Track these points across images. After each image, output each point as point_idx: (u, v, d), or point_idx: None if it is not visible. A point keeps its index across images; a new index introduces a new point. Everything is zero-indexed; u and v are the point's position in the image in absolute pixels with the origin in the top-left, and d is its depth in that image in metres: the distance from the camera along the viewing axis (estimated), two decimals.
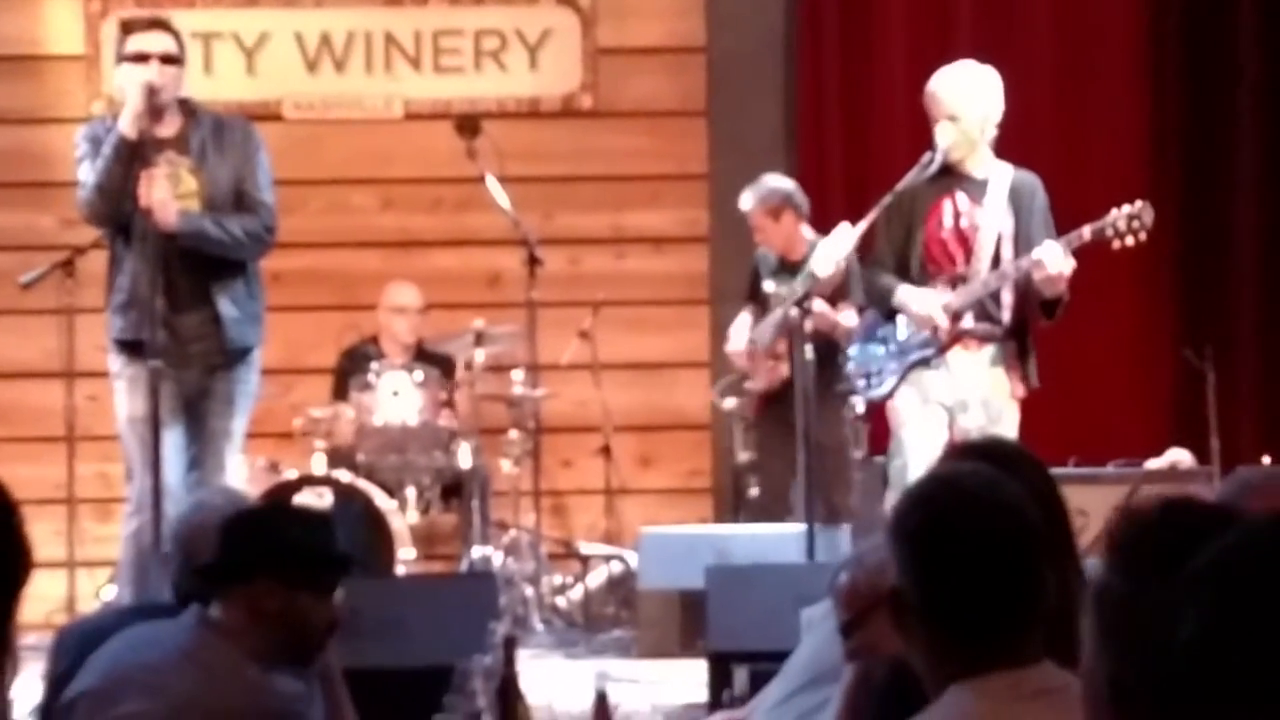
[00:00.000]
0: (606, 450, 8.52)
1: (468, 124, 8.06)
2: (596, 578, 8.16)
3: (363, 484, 7.63)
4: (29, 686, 3.78)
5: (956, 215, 6.43)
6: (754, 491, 7.98)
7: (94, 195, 6.07)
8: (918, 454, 6.22)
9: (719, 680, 5.24)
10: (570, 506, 8.81)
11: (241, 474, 6.42)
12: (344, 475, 7.65)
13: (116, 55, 6.23)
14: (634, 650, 7.15)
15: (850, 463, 7.53)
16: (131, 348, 6.06)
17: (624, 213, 8.85)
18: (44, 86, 8.82)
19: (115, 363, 6.18)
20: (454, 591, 5.73)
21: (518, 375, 8.08)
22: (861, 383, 6.63)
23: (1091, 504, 6.75)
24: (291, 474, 7.71)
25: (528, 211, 8.13)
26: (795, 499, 7.62)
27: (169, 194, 6.00)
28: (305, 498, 7.39)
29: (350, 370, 8.16)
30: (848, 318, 7.13)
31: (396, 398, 7.89)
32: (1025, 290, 6.38)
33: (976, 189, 6.43)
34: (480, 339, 8.08)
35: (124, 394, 6.11)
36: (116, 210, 6.03)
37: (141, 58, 6.07)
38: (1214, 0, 8.85)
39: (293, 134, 8.57)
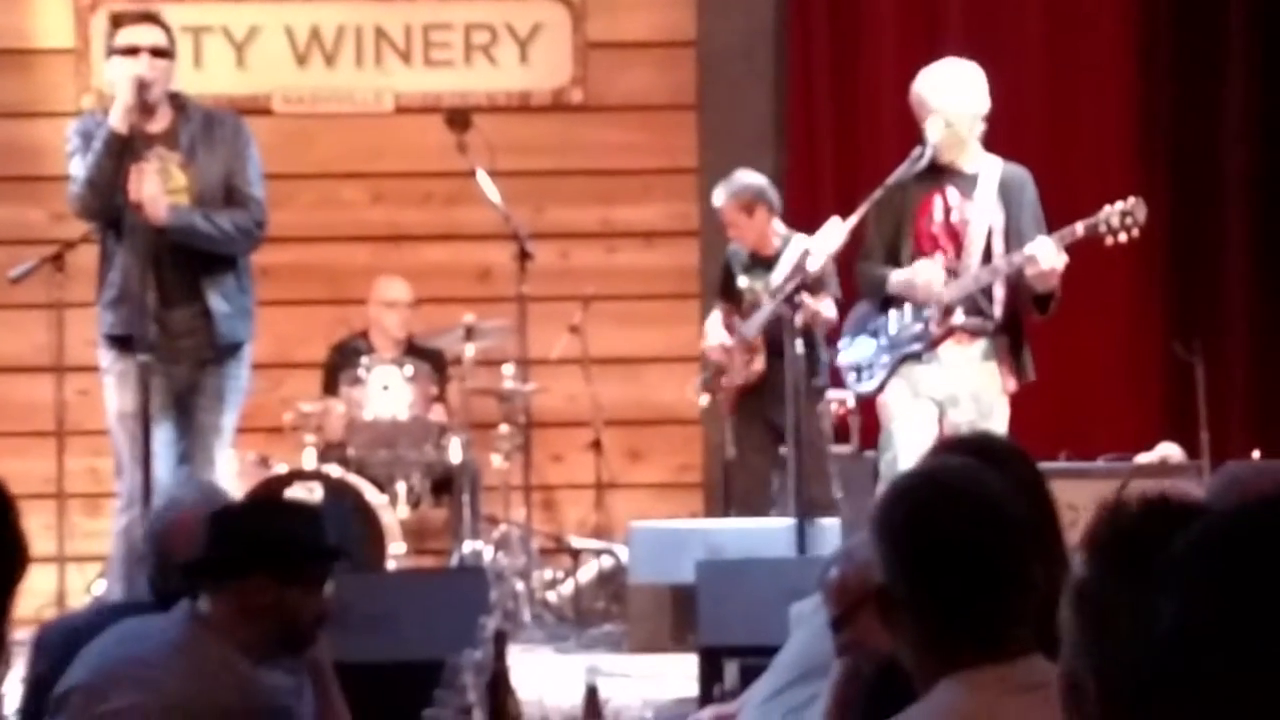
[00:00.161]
0: (597, 444, 8.52)
1: (458, 118, 8.06)
2: (587, 572, 8.16)
3: (353, 479, 7.62)
4: (11, 686, 3.78)
5: (947, 210, 6.44)
6: (733, 486, 7.98)
7: (85, 190, 6.06)
8: (908, 448, 6.23)
9: (710, 674, 5.24)
10: (561, 501, 8.81)
11: (231, 469, 6.41)
12: (334, 470, 7.65)
13: (106, 49, 6.22)
14: (625, 645, 7.16)
15: (827, 456, 7.54)
16: (122, 343, 6.06)
17: (614, 207, 8.84)
18: (33, 80, 8.81)
19: (106, 358, 6.17)
20: (444, 586, 5.73)
21: (508, 369, 8.08)
22: (852, 376, 6.64)
23: (1081, 499, 6.73)
24: (281, 469, 7.71)
25: (518, 205, 8.13)
26: (775, 492, 7.64)
27: (159, 189, 6.00)
28: (296, 492, 7.39)
29: (340, 365, 8.15)
30: (827, 308, 7.14)
31: (387, 392, 7.89)
32: (1017, 285, 6.39)
33: (967, 183, 6.44)
34: (470, 333, 8.07)
35: (114, 389, 6.11)
36: (107, 205, 6.02)
37: (131, 51, 6.07)
38: None
39: (282, 128, 8.56)
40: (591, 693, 3.55)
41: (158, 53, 6.10)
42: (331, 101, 8.87)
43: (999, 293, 6.43)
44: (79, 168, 6.08)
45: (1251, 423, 8.48)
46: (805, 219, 7.69)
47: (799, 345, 6.44)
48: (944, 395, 6.38)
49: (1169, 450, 7.84)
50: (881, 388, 6.48)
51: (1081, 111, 8.84)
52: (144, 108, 6.03)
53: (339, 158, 8.80)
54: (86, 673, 3.47)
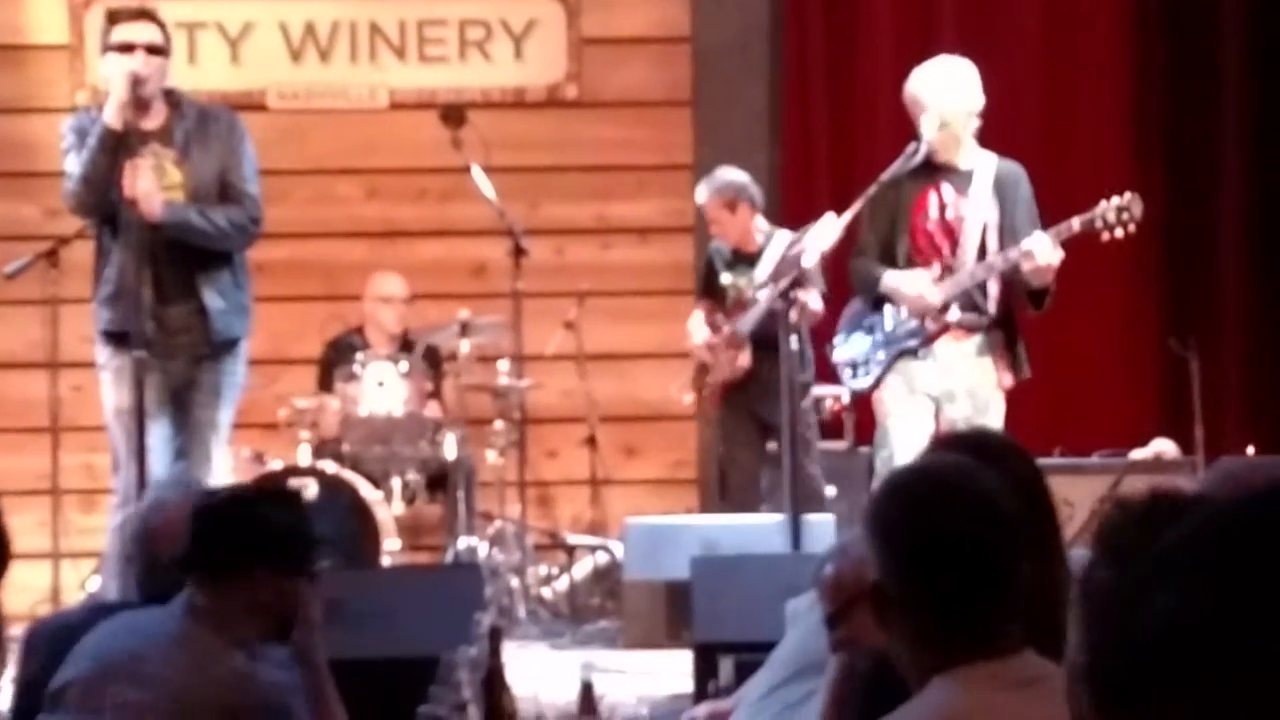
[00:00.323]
0: (592, 440, 8.52)
1: (453, 114, 8.06)
2: (582, 568, 8.16)
3: (348, 475, 7.62)
4: (3, 684, 3.77)
5: (942, 206, 6.44)
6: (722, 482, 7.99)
7: (80, 186, 6.06)
8: (904, 445, 6.23)
9: (704, 670, 5.24)
10: (556, 497, 8.81)
11: (227, 465, 6.41)
12: (329, 466, 7.65)
13: (102, 45, 6.22)
14: (620, 641, 7.16)
15: (813, 452, 7.53)
16: (118, 339, 6.06)
17: (609, 203, 8.84)
18: (28, 76, 8.80)
19: (102, 354, 6.17)
20: (439, 582, 5.73)
21: (503, 365, 8.07)
22: (848, 373, 6.64)
23: (1076, 494, 6.77)
24: (277, 465, 7.71)
25: (513, 201, 8.13)
26: (765, 487, 7.64)
27: (154, 185, 6.00)
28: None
29: (335, 361, 8.15)
30: (813, 300, 7.13)
31: (382, 388, 7.89)
32: (1012, 281, 6.39)
33: (962, 180, 6.44)
34: (465, 329, 8.07)
35: (111, 385, 6.10)
36: (102, 201, 6.02)
37: (127, 48, 6.07)
38: None
39: (277, 124, 8.55)
40: (586, 689, 3.55)
41: (153, 50, 6.10)
42: (326, 97, 8.87)
43: (994, 289, 6.43)
44: (74, 164, 6.08)
45: (1246, 419, 8.49)
46: (800, 215, 7.68)
47: (794, 342, 6.44)
48: (940, 391, 6.39)
49: (1163, 446, 7.85)
50: (877, 384, 6.48)
51: (1077, 108, 8.84)
52: (139, 104, 6.03)
53: (334, 154, 8.80)
54: (84, 667, 3.47)
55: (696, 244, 8.64)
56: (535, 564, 8.03)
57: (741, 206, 7.77)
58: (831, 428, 8.21)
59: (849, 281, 6.78)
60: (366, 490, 7.58)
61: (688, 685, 5.58)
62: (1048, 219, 6.38)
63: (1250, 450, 7.69)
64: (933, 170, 6.43)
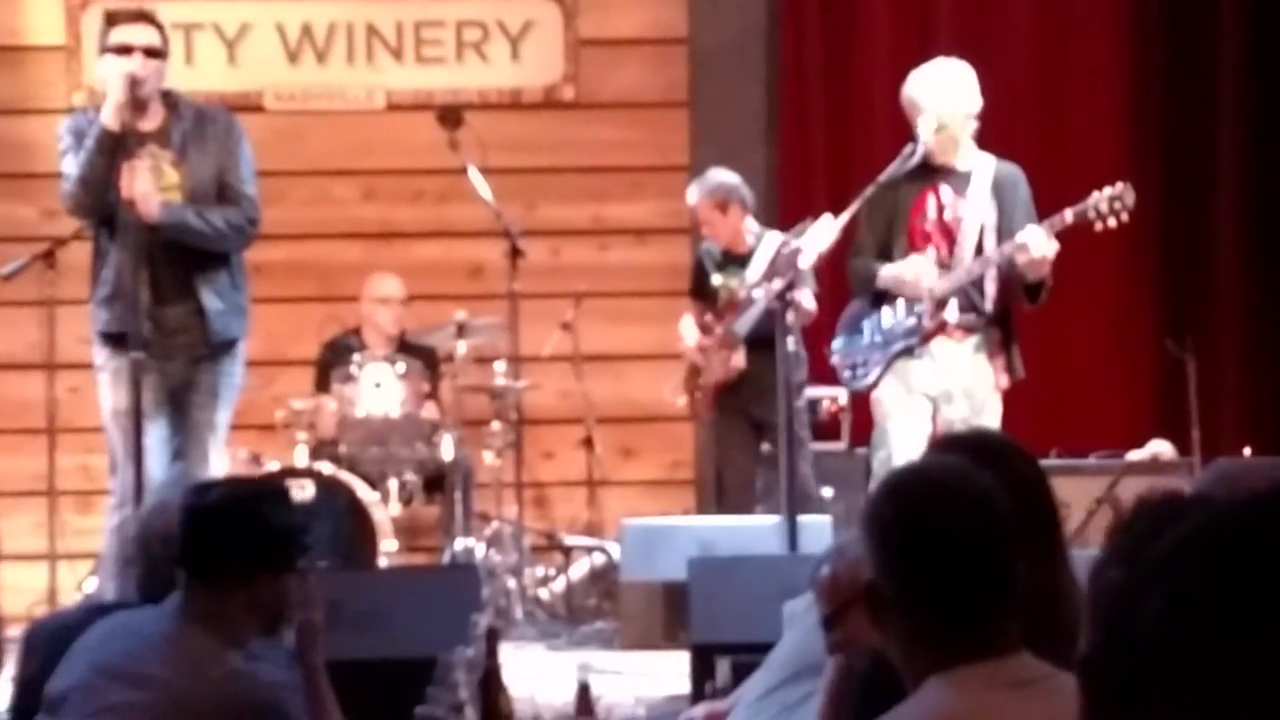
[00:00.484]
0: (589, 442, 8.52)
1: (450, 115, 8.06)
2: (579, 569, 8.16)
3: (345, 476, 7.62)
4: (1, 685, 3.78)
5: (940, 207, 6.44)
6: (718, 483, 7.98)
7: (77, 188, 6.06)
8: (902, 446, 6.24)
9: (702, 672, 5.24)
10: (552, 498, 8.81)
11: (224, 466, 6.41)
12: (326, 467, 7.64)
13: (99, 46, 6.22)
14: (617, 642, 7.15)
15: (806, 452, 7.53)
16: (116, 340, 6.06)
17: (606, 204, 8.84)
18: (24, 77, 8.80)
19: (100, 355, 6.17)
20: (436, 583, 5.73)
21: (500, 367, 8.07)
22: (847, 374, 6.64)
23: (1073, 496, 6.76)
24: (274, 466, 7.71)
25: (509, 203, 8.13)
26: (759, 489, 7.64)
27: (151, 186, 5.99)
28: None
29: (332, 362, 8.15)
30: (806, 299, 7.12)
31: (379, 389, 7.89)
32: (1008, 278, 6.39)
33: (960, 181, 6.44)
34: (462, 330, 8.07)
35: (108, 386, 6.10)
36: (100, 202, 6.02)
37: (125, 50, 6.06)
38: None
39: (274, 125, 8.55)
40: (583, 690, 3.55)
41: (151, 52, 6.10)
42: (323, 99, 8.87)
43: (991, 289, 6.43)
44: (71, 165, 6.08)
45: (1243, 420, 8.49)
46: (797, 216, 7.67)
47: (790, 342, 6.43)
48: (937, 391, 6.39)
49: (1160, 447, 7.85)
50: (875, 384, 6.49)
51: (1073, 109, 8.85)
52: (136, 105, 6.03)
53: (330, 155, 8.80)
54: (82, 671, 3.47)
55: (693, 245, 8.64)
56: (532, 565, 8.03)
57: (733, 208, 7.77)
58: (828, 429, 8.21)
59: (848, 283, 6.79)
60: (363, 491, 7.58)
61: (685, 686, 5.58)
62: (1044, 217, 6.38)
63: (1247, 451, 7.69)
64: (931, 172, 6.43)
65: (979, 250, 6.41)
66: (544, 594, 8.01)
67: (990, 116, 6.55)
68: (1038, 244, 6.18)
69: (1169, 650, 1.11)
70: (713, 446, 8.01)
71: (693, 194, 7.86)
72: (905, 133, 6.51)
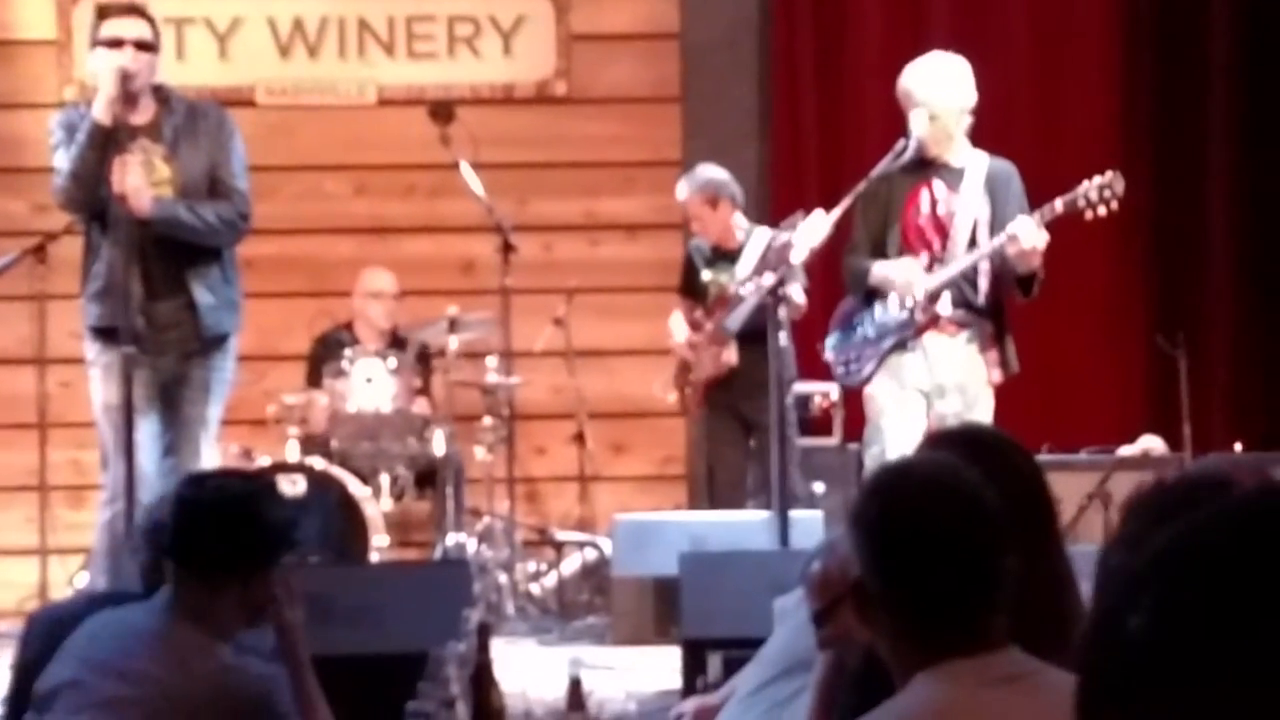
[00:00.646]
0: (580, 437, 8.52)
1: (441, 110, 8.05)
2: (570, 565, 8.16)
3: (337, 471, 7.61)
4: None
5: (934, 203, 6.45)
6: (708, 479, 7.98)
7: (69, 182, 6.06)
8: (895, 442, 6.24)
9: (693, 667, 5.24)
10: (544, 493, 8.81)
11: (215, 461, 6.41)
12: (318, 462, 7.64)
13: (90, 40, 6.21)
14: (608, 637, 7.16)
15: (795, 447, 7.53)
16: (107, 335, 6.05)
17: (598, 199, 8.84)
18: (15, 71, 8.79)
19: (91, 350, 6.17)
20: (428, 578, 5.72)
21: (491, 362, 8.07)
22: (841, 370, 6.65)
23: (1064, 491, 6.75)
24: (265, 461, 7.70)
25: (502, 198, 8.12)
26: (750, 484, 7.64)
27: (142, 180, 5.99)
28: (279, 484, 7.37)
29: (324, 357, 8.14)
30: (796, 293, 7.12)
31: (370, 384, 7.88)
32: (1001, 273, 6.40)
33: (953, 177, 6.45)
34: (454, 326, 8.06)
35: (99, 381, 6.10)
36: (91, 197, 6.02)
37: (116, 43, 6.06)
38: None
39: (266, 120, 8.55)
40: (575, 685, 3.55)
41: (142, 46, 6.09)
42: (314, 93, 8.86)
43: (984, 284, 6.44)
44: (62, 160, 6.07)
45: (1234, 416, 8.50)
46: (788, 212, 7.68)
47: (761, 336, 6.45)
48: (930, 386, 6.39)
49: (1151, 443, 7.86)
50: (869, 379, 6.49)
51: (1066, 106, 8.85)
52: (127, 99, 6.02)
53: (322, 150, 8.79)
54: (72, 667, 3.47)
55: (685, 240, 8.65)
56: (524, 560, 8.03)
57: (723, 203, 7.78)
58: (820, 425, 8.22)
59: (839, 279, 6.79)
60: (355, 486, 7.58)
61: (676, 681, 5.58)
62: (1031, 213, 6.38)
63: (1238, 447, 7.70)
64: (925, 167, 6.43)
65: (972, 245, 6.41)
66: (535, 589, 8.01)
67: (983, 113, 6.55)
68: (1028, 235, 6.18)
69: (1158, 651, 1.11)
70: (704, 442, 8.02)
71: (683, 189, 7.86)
72: (897, 128, 6.51)
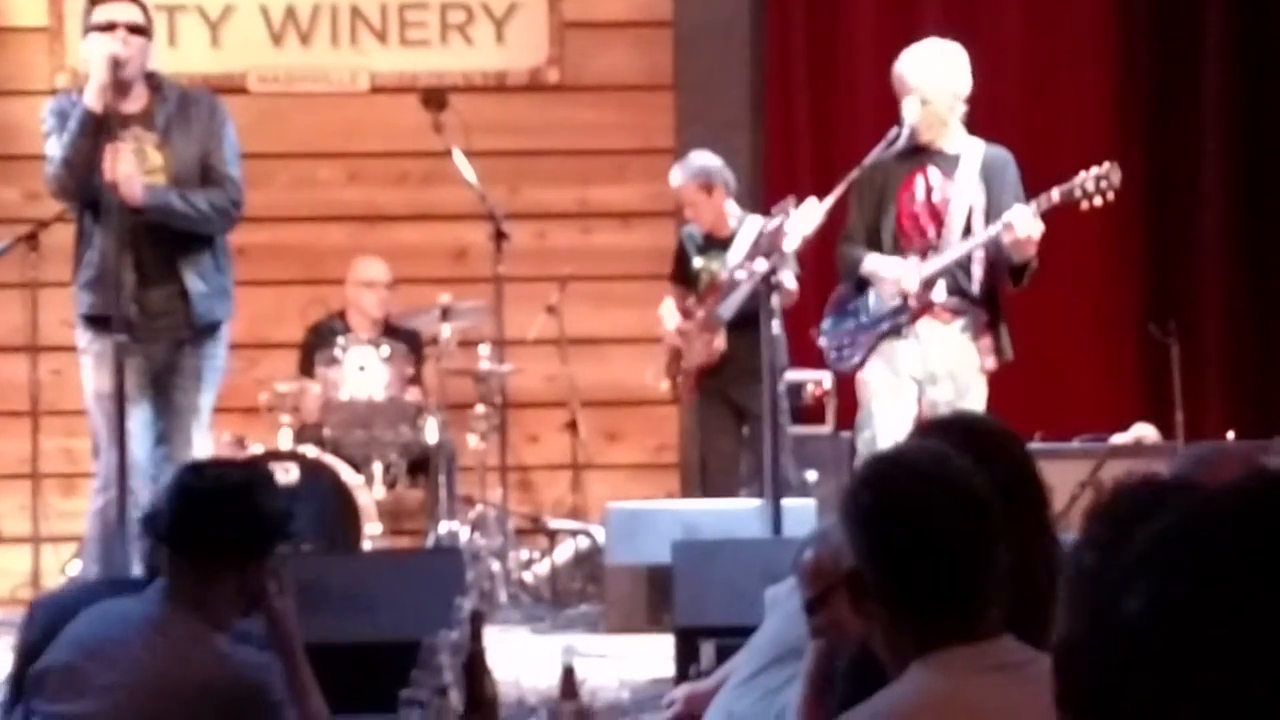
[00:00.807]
0: (573, 425, 8.52)
1: (434, 97, 8.04)
2: (563, 553, 8.16)
3: (329, 459, 7.61)
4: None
5: (928, 189, 6.44)
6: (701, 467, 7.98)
7: (61, 170, 6.05)
8: (886, 427, 6.24)
9: (686, 655, 5.25)
10: (537, 482, 8.81)
11: (208, 449, 6.40)
12: (310, 450, 7.64)
13: (83, 26, 6.20)
14: (601, 625, 7.16)
15: (785, 438, 7.53)
16: (100, 323, 6.04)
17: (591, 187, 8.84)
18: (7, 59, 8.77)
19: (83, 338, 6.16)
20: (420, 567, 5.73)
21: (484, 350, 8.07)
22: (833, 355, 6.65)
23: (1056, 479, 6.75)
24: (258, 449, 7.70)
25: (494, 185, 8.12)
26: (743, 472, 7.65)
27: (135, 168, 5.98)
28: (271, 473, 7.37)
29: (316, 345, 8.14)
30: (787, 279, 7.12)
31: (363, 373, 7.88)
32: (995, 261, 6.40)
33: (948, 163, 6.44)
34: (447, 314, 8.06)
35: (91, 369, 6.09)
36: (84, 185, 6.01)
37: (109, 27, 6.05)
38: None
39: (258, 107, 8.53)
40: (568, 673, 3.55)
41: (134, 29, 6.08)
42: (307, 81, 8.85)
43: (978, 272, 6.44)
44: (55, 148, 6.06)
45: (1226, 404, 8.51)
46: (782, 199, 7.68)
47: (752, 322, 6.44)
48: (923, 374, 6.39)
49: (1144, 431, 7.87)
50: (861, 365, 6.49)
51: (1059, 93, 8.85)
52: (119, 87, 6.01)
53: (314, 137, 8.78)
54: (64, 653, 3.47)
55: (678, 228, 8.64)
56: (516, 548, 8.03)
57: (717, 190, 7.78)
58: (813, 412, 8.22)
59: (832, 266, 6.78)
60: (347, 474, 7.58)
61: (669, 669, 5.59)
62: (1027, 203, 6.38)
63: (1230, 435, 7.71)
64: (920, 154, 6.43)
65: (967, 233, 6.41)
66: (528, 577, 8.01)
67: (975, 102, 6.55)
68: (1024, 224, 6.18)
69: (1150, 640, 1.11)
70: (696, 430, 8.02)
71: (676, 176, 7.85)
72: (890, 116, 6.50)
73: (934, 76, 6.40)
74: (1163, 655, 1.10)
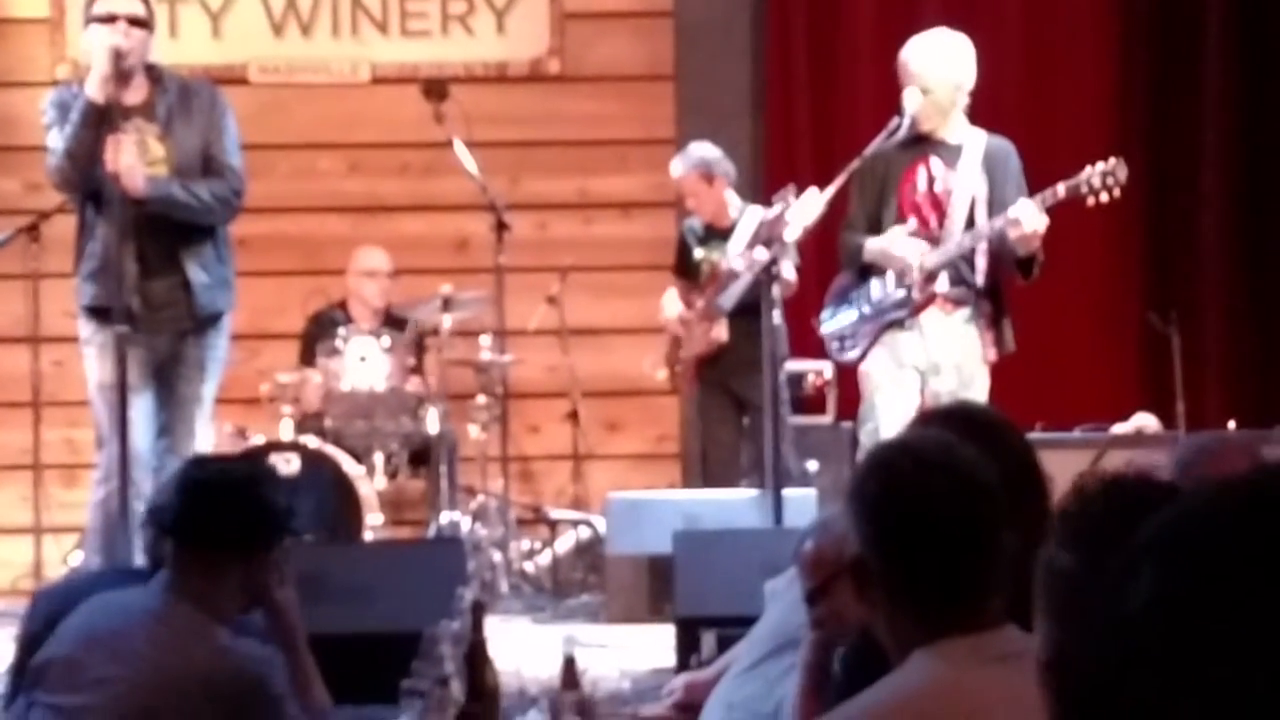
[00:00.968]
0: (574, 415, 8.52)
1: (435, 88, 8.04)
2: (564, 543, 8.17)
3: (330, 450, 7.62)
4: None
5: (930, 180, 6.44)
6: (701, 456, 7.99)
7: (63, 162, 6.05)
8: (890, 419, 6.23)
9: (687, 644, 5.26)
10: (538, 472, 8.81)
11: (210, 440, 6.41)
12: (311, 441, 7.64)
13: (84, 17, 6.19)
14: (602, 615, 7.17)
15: (786, 428, 7.53)
16: (102, 314, 6.04)
17: (591, 177, 8.84)
18: (8, 50, 8.77)
19: (85, 329, 6.16)
20: (422, 557, 5.73)
21: (485, 340, 8.07)
22: (835, 345, 6.64)
23: (1057, 469, 6.76)
24: (259, 440, 7.70)
25: (495, 176, 8.12)
26: (744, 462, 7.65)
27: (136, 159, 5.98)
28: (273, 463, 7.37)
29: (317, 335, 8.14)
30: (787, 270, 7.12)
31: (364, 363, 7.88)
32: (999, 252, 6.39)
33: (950, 154, 6.44)
34: (448, 304, 8.06)
35: (94, 360, 6.09)
36: (87, 176, 6.01)
37: (110, 19, 6.05)
38: None
39: (259, 98, 8.53)
40: (569, 663, 3.55)
41: (135, 22, 6.08)
42: (307, 72, 8.85)
43: (981, 263, 6.43)
44: (57, 140, 6.06)
45: (1227, 394, 8.51)
46: (782, 189, 7.68)
47: (752, 311, 6.43)
48: (926, 364, 6.39)
49: (1145, 421, 7.87)
50: (864, 356, 6.49)
51: (1060, 85, 8.85)
52: (121, 78, 6.01)
53: (315, 128, 8.78)
54: (66, 645, 3.48)
55: (679, 219, 8.64)
56: (517, 539, 8.04)
57: (718, 180, 7.78)
58: (814, 402, 8.22)
59: (833, 256, 6.78)
60: (349, 465, 7.58)
61: (670, 659, 5.60)
62: (1031, 194, 6.37)
63: (1231, 424, 7.71)
64: (922, 143, 6.43)
65: (970, 223, 6.41)
66: (529, 567, 8.02)
67: (976, 95, 6.54)
68: (1029, 219, 6.18)
69: (1151, 637, 1.11)
70: (697, 421, 8.02)
71: (677, 167, 7.85)
72: (891, 107, 6.50)
73: (936, 66, 6.39)
74: (1164, 652, 1.10)
